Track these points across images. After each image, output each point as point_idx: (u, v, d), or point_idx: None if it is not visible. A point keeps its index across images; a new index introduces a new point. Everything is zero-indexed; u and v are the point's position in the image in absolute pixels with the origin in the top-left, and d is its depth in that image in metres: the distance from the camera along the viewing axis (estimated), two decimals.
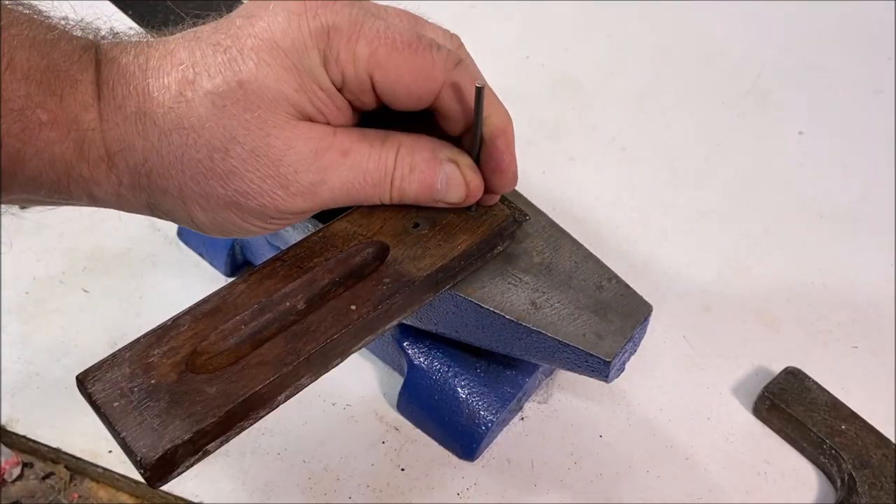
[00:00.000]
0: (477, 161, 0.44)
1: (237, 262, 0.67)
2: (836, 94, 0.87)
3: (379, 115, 0.43)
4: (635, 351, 0.47)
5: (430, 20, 0.44)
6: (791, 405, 0.57)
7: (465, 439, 0.56)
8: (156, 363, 0.36)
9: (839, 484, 0.55)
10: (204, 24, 0.40)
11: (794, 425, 0.57)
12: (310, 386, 0.39)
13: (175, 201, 0.40)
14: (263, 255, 0.64)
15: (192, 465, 0.36)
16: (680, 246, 0.71)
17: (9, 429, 0.58)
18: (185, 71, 0.38)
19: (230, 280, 0.55)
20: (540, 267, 0.48)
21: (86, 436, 0.57)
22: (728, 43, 0.92)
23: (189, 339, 0.38)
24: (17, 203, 0.41)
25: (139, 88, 0.38)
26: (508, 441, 0.58)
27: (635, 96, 0.86)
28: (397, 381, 0.60)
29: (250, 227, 0.41)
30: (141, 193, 0.39)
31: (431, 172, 0.43)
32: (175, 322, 0.38)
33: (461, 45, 0.45)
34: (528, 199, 0.51)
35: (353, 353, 0.41)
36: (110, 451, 0.57)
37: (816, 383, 0.59)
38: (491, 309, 0.45)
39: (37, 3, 0.38)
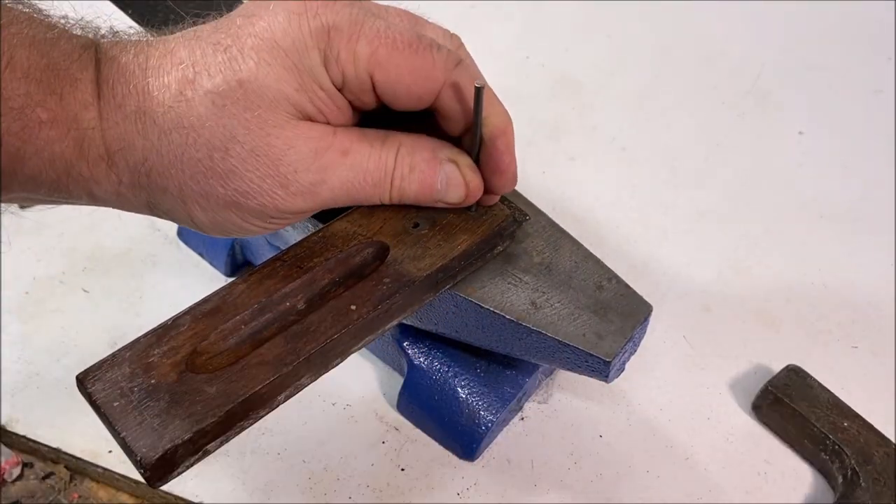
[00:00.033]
0: (477, 161, 0.44)
1: (237, 262, 0.67)
2: (836, 94, 0.87)
3: (379, 115, 0.43)
4: (635, 351, 0.47)
5: (430, 20, 0.44)
6: (795, 400, 0.57)
7: (465, 439, 0.56)
8: (156, 363, 0.36)
9: (840, 481, 0.55)
10: (204, 23, 0.40)
11: (797, 421, 0.57)
12: (310, 386, 0.39)
13: (175, 200, 0.40)
14: (263, 255, 0.64)
15: (192, 465, 0.36)
16: (680, 246, 0.71)
17: (9, 429, 0.58)
18: (185, 70, 0.38)
19: (230, 280, 0.55)
20: (540, 267, 0.48)
21: (86, 436, 0.57)
22: (728, 43, 0.92)
23: (189, 338, 0.38)
24: (17, 202, 0.41)
25: (139, 87, 0.38)
26: (508, 441, 0.58)
27: (635, 96, 0.86)
28: (397, 381, 0.60)
29: (250, 226, 0.41)
30: (141, 192, 0.39)
31: (431, 172, 0.43)
32: (175, 322, 0.38)
33: (461, 45, 0.45)
34: (528, 199, 0.51)
35: (353, 353, 0.41)
36: (110, 451, 0.57)
37: (817, 381, 0.59)
38: (491, 309, 0.45)
39: (37, 1, 0.38)
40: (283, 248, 0.43)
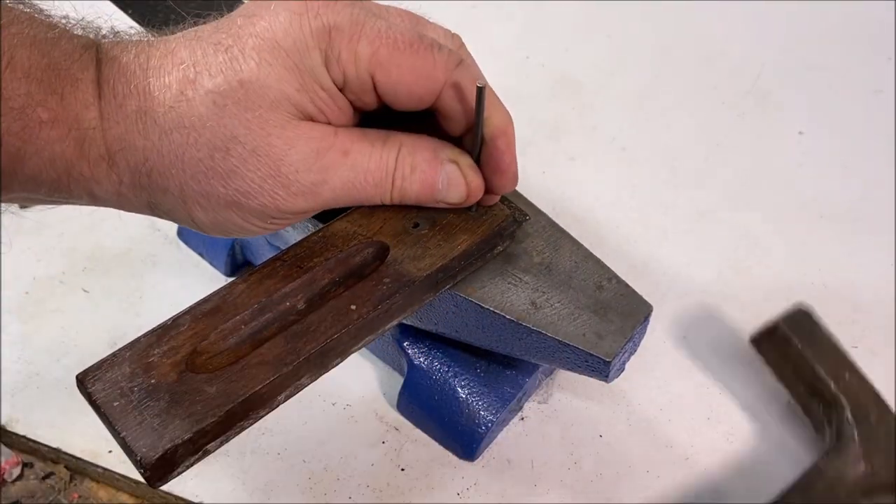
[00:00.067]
0: (477, 161, 0.44)
1: (237, 262, 0.67)
2: (836, 94, 0.87)
3: (380, 116, 0.43)
4: (635, 351, 0.47)
5: (431, 20, 0.44)
6: (801, 340, 0.55)
7: (465, 439, 0.56)
8: (156, 363, 0.36)
9: (828, 432, 0.53)
10: (205, 23, 0.40)
11: (799, 362, 0.55)
12: (310, 386, 0.39)
13: (175, 201, 0.40)
14: (263, 255, 0.64)
15: (192, 465, 0.36)
16: (680, 246, 0.71)
17: (9, 429, 0.58)
18: (186, 70, 0.38)
19: (230, 280, 0.55)
20: (540, 267, 0.48)
21: (86, 436, 0.57)
22: (728, 43, 0.92)
23: (189, 338, 0.38)
24: (17, 202, 0.41)
25: (140, 87, 0.38)
26: (508, 441, 0.58)
27: (635, 96, 0.86)
28: (397, 381, 0.60)
29: (251, 226, 0.41)
30: (141, 193, 0.39)
31: (432, 172, 0.43)
32: (175, 322, 0.38)
33: (462, 45, 0.45)
34: (528, 199, 0.51)
35: (352, 353, 0.41)
36: (110, 451, 0.57)
37: (826, 327, 0.57)
38: (491, 309, 0.45)
39: (38, 1, 0.38)
40: (283, 248, 0.43)
